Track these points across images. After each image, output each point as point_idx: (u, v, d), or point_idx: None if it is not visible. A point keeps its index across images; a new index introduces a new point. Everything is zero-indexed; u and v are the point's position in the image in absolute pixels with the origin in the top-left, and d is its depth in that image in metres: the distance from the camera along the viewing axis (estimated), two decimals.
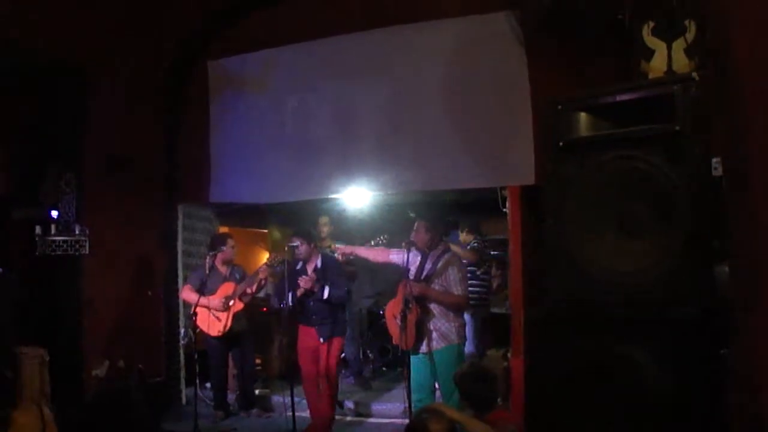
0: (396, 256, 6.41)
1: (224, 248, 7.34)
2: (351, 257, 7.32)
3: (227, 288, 7.20)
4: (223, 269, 7.41)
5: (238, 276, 7.37)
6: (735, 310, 3.06)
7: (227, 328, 7.15)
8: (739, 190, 3.01)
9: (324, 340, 6.74)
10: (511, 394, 6.28)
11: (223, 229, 8.87)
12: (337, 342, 6.86)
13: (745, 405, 2.92)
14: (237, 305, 7.18)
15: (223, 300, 7.11)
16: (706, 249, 3.02)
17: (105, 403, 6.13)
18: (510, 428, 4.07)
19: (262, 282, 7.44)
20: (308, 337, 6.85)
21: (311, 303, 6.80)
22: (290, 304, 6.70)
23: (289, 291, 6.70)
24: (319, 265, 6.85)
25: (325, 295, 6.67)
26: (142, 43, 7.39)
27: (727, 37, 3.09)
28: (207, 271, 7.18)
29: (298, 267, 6.87)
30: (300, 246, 6.81)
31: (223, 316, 7.15)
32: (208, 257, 7.35)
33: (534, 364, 3.97)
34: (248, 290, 7.24)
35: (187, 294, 7.29)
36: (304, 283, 6.63)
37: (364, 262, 7.34)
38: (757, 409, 2.86)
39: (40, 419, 2.68)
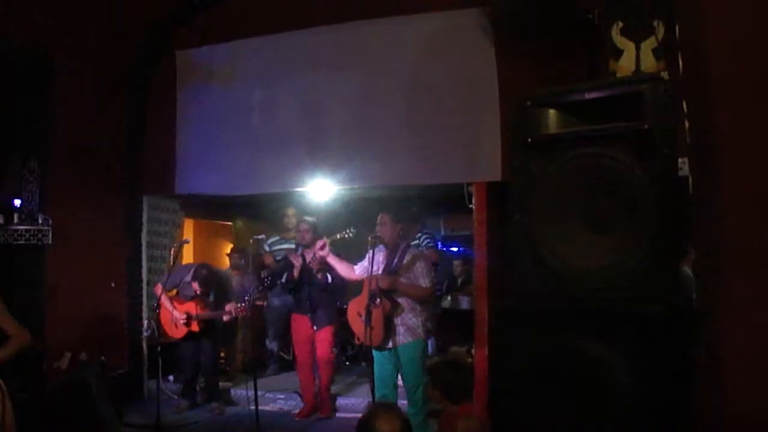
0: (361, 270, 6.36)
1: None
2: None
3: (192, 306, 7.18)
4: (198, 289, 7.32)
5: (211, 298, 7.34)
6: (700, 308, 3.11)
7: (185, 334, 7.21)
8: (705, 190, 3.04)
9: (318, 328, 6.98)
10: (474, 387, 6.33)
11: (188, 221, 8.79)
12: (329, 330, 7.07)
13: (710, 402, 2.97)
14: (194, 326, 7.17)
15: (185, 316, 7.11)
16: (671, 247, 3.05)
17: (66, 394, 6.07)
18: (473, 423, 4.09)
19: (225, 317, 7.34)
20: (302, 326, 7.10)
21: (307, 291, 7.00)
22: (285, 284, 7.31)
23: (281, 277, 7.23)
24: None
25: (328, 280, 6.95)
26: (108, 31, 7.29)
27: (697, 34, 3.12)
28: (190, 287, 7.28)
29: (300, 252, 7.14)
30: (305, 232, 7.13)
31: (182, 325, 7.18)
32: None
33: (497, 358, 3.98)
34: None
35: (158, 292, 7.23)
36: (310, 258, 6.86)
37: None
38: (722, 406, 2.90)
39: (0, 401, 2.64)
